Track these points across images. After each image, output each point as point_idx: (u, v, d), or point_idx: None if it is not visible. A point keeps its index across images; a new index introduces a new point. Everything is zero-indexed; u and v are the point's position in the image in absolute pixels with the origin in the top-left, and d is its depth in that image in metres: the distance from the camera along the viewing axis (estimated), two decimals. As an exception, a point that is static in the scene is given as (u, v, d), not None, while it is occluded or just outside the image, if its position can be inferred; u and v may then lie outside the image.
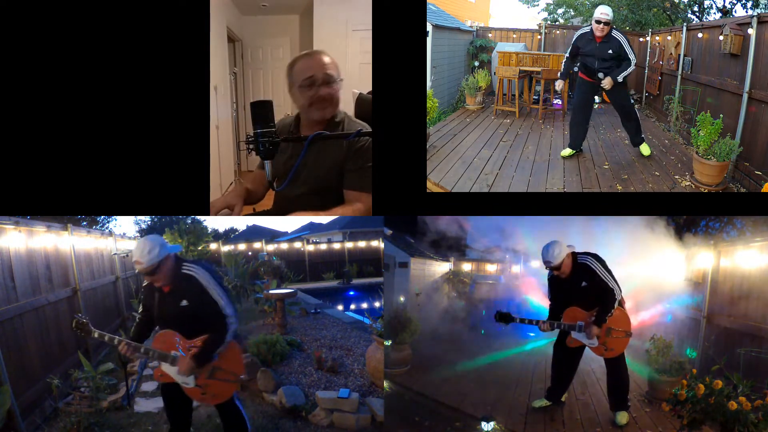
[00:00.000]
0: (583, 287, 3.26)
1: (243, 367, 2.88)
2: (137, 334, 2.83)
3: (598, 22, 4.04)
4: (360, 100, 3.42)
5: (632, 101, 4.39)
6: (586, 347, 3.38)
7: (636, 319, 4.59)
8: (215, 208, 2.75)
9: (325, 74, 2.63)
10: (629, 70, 4.08)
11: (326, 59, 2.69)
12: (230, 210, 2.76)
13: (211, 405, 2.88)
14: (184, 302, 2.67)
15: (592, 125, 4.68)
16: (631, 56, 4.08)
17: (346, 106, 3.17)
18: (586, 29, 4.18)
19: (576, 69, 4.30)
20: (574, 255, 3.29)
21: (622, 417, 3.32)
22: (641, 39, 5.22)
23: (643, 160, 4.14)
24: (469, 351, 4.89)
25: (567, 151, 4.33)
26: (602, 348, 3.29)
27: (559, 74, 4.55)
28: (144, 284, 2.82)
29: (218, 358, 2.71)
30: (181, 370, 2.66)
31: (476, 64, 5.56)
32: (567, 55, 4.35)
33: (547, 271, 3.39)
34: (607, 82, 4.11)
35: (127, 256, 7.09)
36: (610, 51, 4.07)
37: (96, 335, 2.72)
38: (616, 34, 4.06)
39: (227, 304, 2.70)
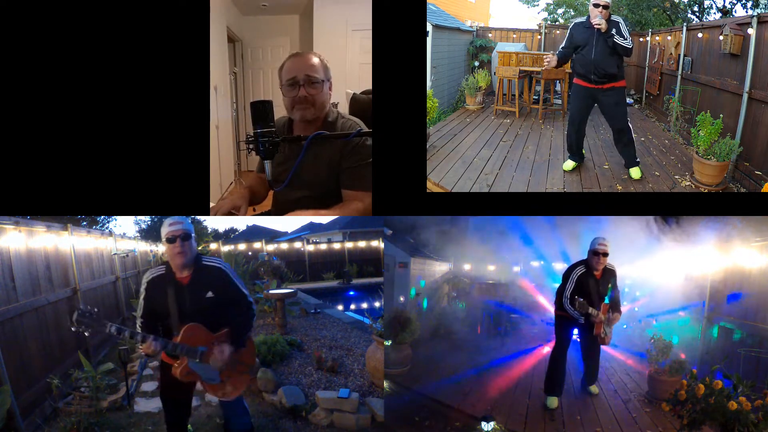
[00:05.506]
0: (609, 287, 3.65)
1: (255, 357, 2.90)
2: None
3: (596, 5, 3.65)
4: (354, 101, 3.42)
5: (629, 124, 3.97)
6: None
7: (636, 319, 4.61)
8: (222, 209, 2.72)
9: (307, 75, 2.55)
10: (626, 43, 3.71)
11: (314, 60, 2.61)
12: (236, 211, 2.75)
13: (228, 398, 2.78)
14: (210, 294, 2.62)
15: (592, 125, 4.68)
16: (630, 39, 3.75)
17: (341, 107, 3.16)
18: (583, 18, 3.85)
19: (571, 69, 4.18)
20: None
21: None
22: (641, 39, 5.23)
23: (642, 160, 4.14)
24: (469, 351, 4.89)
25: (570, 164, 4.08)
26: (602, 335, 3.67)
27: (556, 54, 4.11)
28: (148, 279, 2.64)
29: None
30: (218, 358, 2.58)
31: (476, 64, 5.57)
32: (561, 47, 4.02)
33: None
34: (603, 25, 3.65)
35: (127, 256, 7.09)
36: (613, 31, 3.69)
37: (114, 330, 2.46)
38: (614, 17, 3.72)
39: (248, 293, 2.78)
